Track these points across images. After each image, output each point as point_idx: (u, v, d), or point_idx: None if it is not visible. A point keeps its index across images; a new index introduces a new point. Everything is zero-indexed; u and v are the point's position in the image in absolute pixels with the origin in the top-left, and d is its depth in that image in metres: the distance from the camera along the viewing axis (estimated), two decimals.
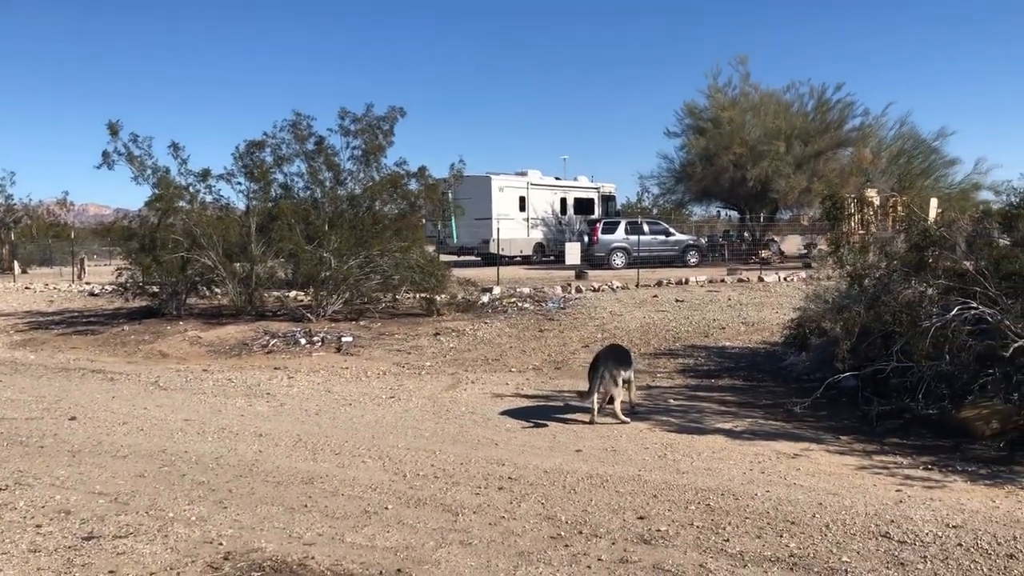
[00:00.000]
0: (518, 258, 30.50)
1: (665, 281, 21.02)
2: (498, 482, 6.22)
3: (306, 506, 5.68)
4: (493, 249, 26.56)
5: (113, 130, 16.62)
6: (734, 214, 36.89)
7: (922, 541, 4.84)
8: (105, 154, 16.66)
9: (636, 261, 25.07)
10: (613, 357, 8.50)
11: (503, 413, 8.85)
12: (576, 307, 16.94)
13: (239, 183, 17.42)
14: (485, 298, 18.10)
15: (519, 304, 17.60)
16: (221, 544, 4.95)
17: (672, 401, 9.35)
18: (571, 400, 9.27)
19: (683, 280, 21.22)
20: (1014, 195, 9.11)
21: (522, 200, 31.28)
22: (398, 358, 12.71)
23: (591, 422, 8.17)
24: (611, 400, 8.40)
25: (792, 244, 34.03)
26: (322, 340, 14.00)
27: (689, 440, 7.53)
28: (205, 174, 17.35)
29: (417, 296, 17.49)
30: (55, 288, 24.87)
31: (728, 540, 4.92)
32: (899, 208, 16.18)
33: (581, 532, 5.10)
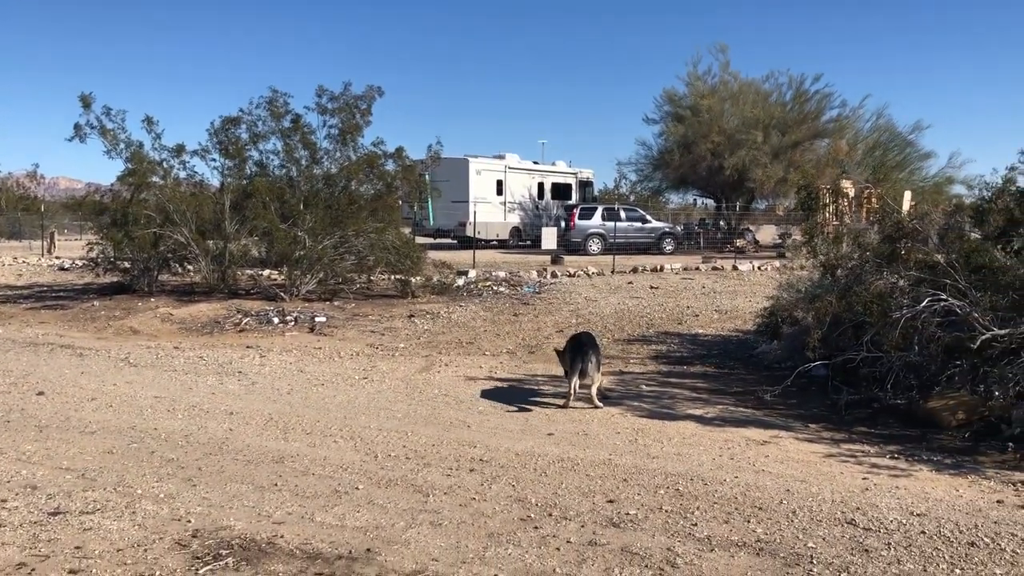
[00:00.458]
0: (494, 242, 30.47)
1: (640, 268, 21.10)
2: (469, 464, 6.22)
3: (276, 485, 5.66)
4: (469, 232, 26.52)
5: (86, 102, 16.36)
6: (710, 202, 37.09)
7: (887, 528, 4.91)
8: (77, 127, 16.41)
9: (612, 247, 25.14)
10: (594, 343, 8.54)
11: (476, 396, 8.85)
12: (551, 292, 16.97)
13: (213, 160, 17.28)
14: (460, 281, 18.08)
15: (494, 288, 17.60)
16: (189, 522, 4.92)
17: (644, 387, 9.40)
18: (544, 384, 9.30)
19: (658, 267, 21.33)
20: (986, 190, 9.22)
21: (499, 184, 31.20)
22: (372, 339, 12.67)
23: (565, 406, 8.20)
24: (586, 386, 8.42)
25: (767, 234, 34.28)
26: (295, 320, 13.91)
27: (660, 426, 7.58)
28: (179, 149, 17.15)
29: (392, 278, 17.44)
30: (24, 262, 24.53)
31: (696, 524, 4.96)
32: (873, 200, 16.32)
33: (551, 514, 5.12)
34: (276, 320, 13.90)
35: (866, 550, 4.58)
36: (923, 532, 4.85)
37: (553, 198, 33.01)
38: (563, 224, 28.13)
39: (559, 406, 8.24)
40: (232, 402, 8.35)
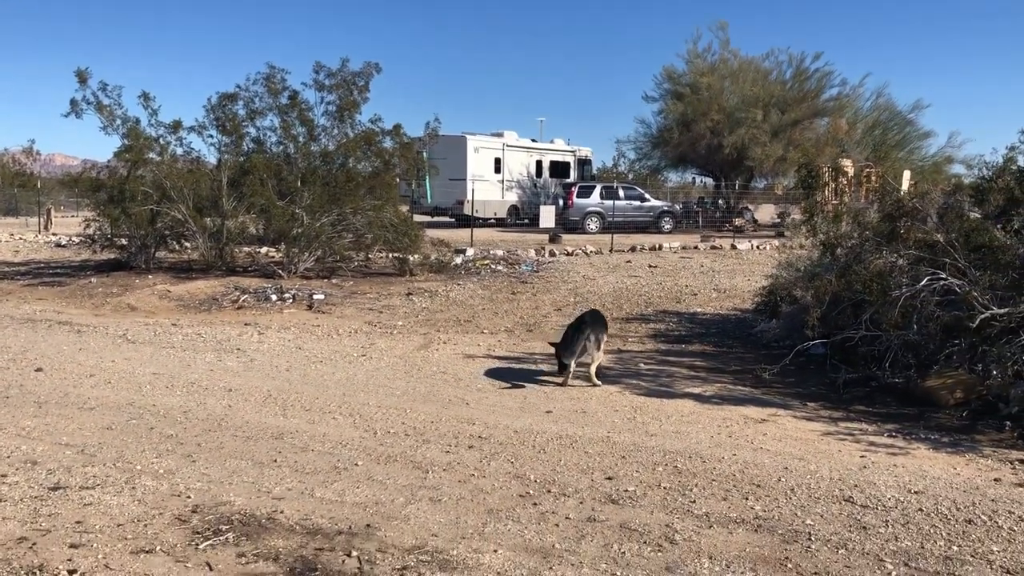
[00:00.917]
0: (492, 220, 30.37)
1: (639, 247, 21.08)
2: (468, 441, 6.24)
3: (275, 461, 5.67)
4: (467, 210, 26.43)
5: (82, 78, 16.23)
6: (709, 181, 36.97)
7: (884, 506, 4.93)
8: (73, 102, 16.28)
9: (611, 226, 25.10)
10: (597, 321, 8.53)
11: (474, 373, 8.85)
12: (549, 271, 16.96)
13: (211, 136, 17.16)
14: (458, 259, 18.06)
15: (492, 266, 17.58)
16: (189, 497, 4.93)
17: (643, 365, 9.41)
18: (542, 362, 9.30)
19: (657, 246, 21.32)
20: (986, 169, 9.19)
21: (497, 162, 31.07)
22: (370, 317, 12.66)
23: (564, 383, 8.20)
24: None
25: (766, 213, 34.23)
26: (293, 297, 13.90)
27: (658, 404, 7.59)
28: (176, 126, 17.03)
29: (390, 256, 17.41)
30: (21, 239, 24.46)
31: (695, 501, 4.98)
32: (873, 179, 16.30)
33: (550, 491, 5.14)
34: (274, 297, 13.89)
35: (864, 527, 4.60)
36: (920, 510, 4.87)
37: (551, 176, 32.89)
38: (561, 202, 28.02)
39: (557, 384, 8.25)
40: (231, 379, 8.35)
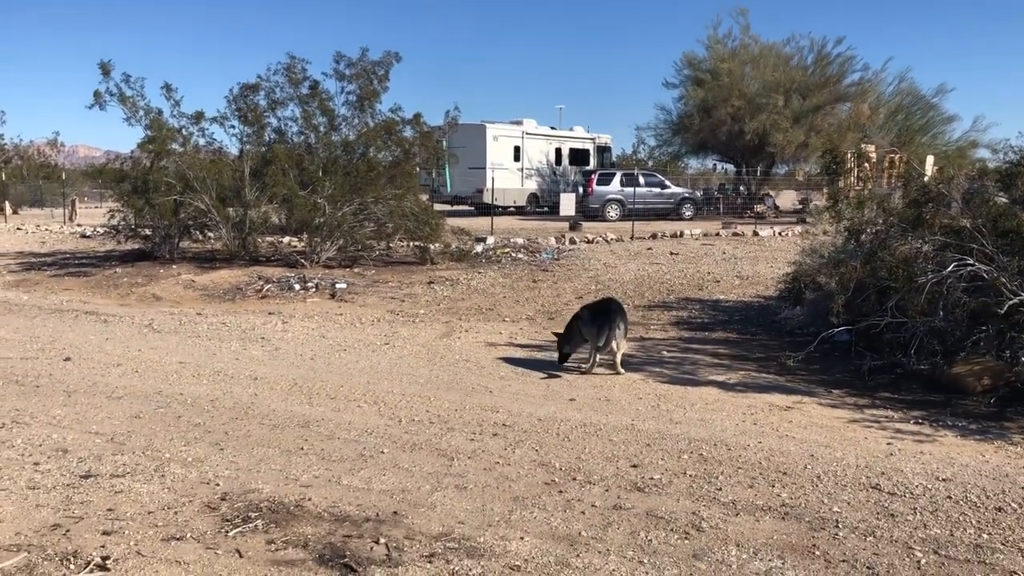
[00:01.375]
0: (512, 208, 30.34)
1: (660, 234, 21.00)
2: (492, 428, 6.26)
3: (302, 449, 5.71)
4: (487, 199, 26.40)
5: (105, 70, 16.38)
6: (730, 167, 36.71)
7: (912, 493, 4.90)
8: (97, 94, 16.45)
9: (631, 213, 24.99)
10: (622, 311, 8.52)
11: (497, 361, 8.88)
12: (570, 258, 16.94)
13: (232, 126, 17.27)
14: (479, 248, 18.07)
15: (513, 254, 17.58)
16: (218, 485, 4.98)
17: (665, 353, 9.39)
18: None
19: (678, 233, 21.23)
20: (1012, 153, 9.07)
21: (517, 150, 31.00)
22: (392, 305, 12.71)
23: (588, 371, 8.21)
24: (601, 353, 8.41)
25: (787, 199, 33.95)
26: (316, 286, 13.98)
27: (682, 391, 7.58)
28: (198, 116, 17.16)
29: (411, 244, 17.46)
30: (47, 229, 24.72)
31: (721, 489, 4.98)
32: (897, 164, 16.13)
33: (575, 479, 5.15)
34: (297, 286, 13.97)
35: (892, 514, 4.58)
36: (949, 497, 4.84)
37: (571, 164, 32.77)
38: (581, 190, 27.91)
39: (580, 372, 8.25)
40: (256, 367, 8.41)
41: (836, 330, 8.56)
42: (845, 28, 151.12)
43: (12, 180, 36.17)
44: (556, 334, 8.72)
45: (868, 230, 9.67)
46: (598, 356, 8.28)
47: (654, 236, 20.68)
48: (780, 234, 21.19)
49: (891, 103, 32.89)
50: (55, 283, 15.11)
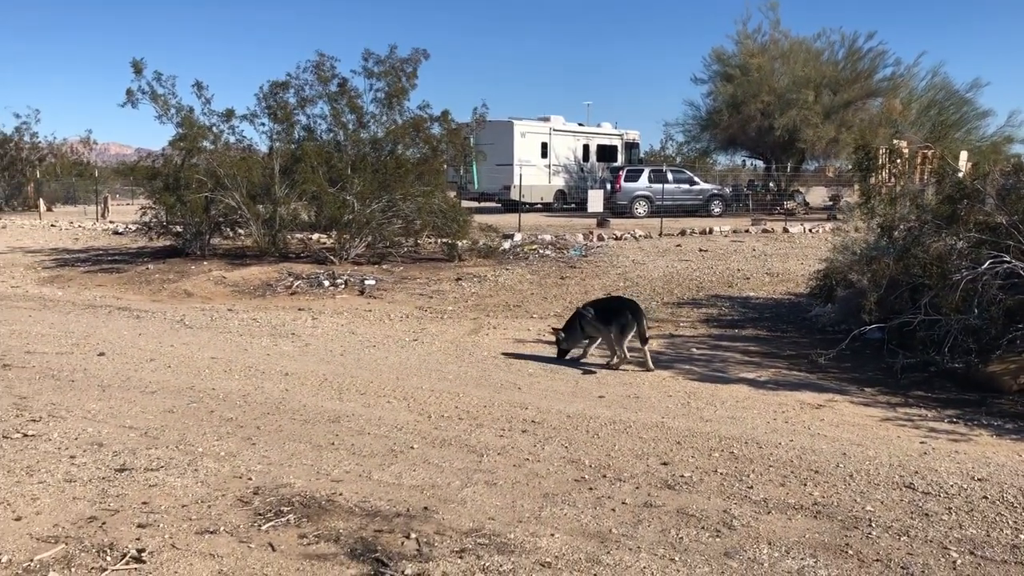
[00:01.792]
0: (539, 205, 30.29)
1: (689, 230, 20.87)
2: (521, 425, 6.26)
3: (333, 444, 5.75)
4: (514, 195, 26.39)
5: (137, 68, 16.56)
6: (759, 164, 36.41)
7: (947, 493, 4.84)
8: (129, 92, 16.63)
9: (659, 210, 24.83)
10: (640, 309, 8.53)
11: (525, 358, 8.88)
12: (598, 255, 16.89)
13: (262, 124, 17.42)
14: (506, 244, 18.07)
15: (540, 251, 17.56)
16: (250, 479, 5.03)
17: (695, 350, 9.35)
18: (592, 347, 9.28)
19: (707, 230, 21.08)
20: None
21: (544, 146, 30.94)
22: (420, 302, 12.76)
23: (616, 367, 8.20)
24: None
25: (817, 195, 33.66)
26: (345, 283, 14.06)
27: (712, 389, 7.54)
28: (229, 114, 17.31)
29: (439, 241, 17.51)
30: (80, 226, 25.05)
31: (752, 487, 4.95)
32: (930, 160, 15.89)
33: (605, 476, 5.14)
34: (326, 283, 14.06)
35: (926, 514, 4.53)
36: (985, 497, 4.77)
37: (598, 160, 32.64)
38: (609, 186, 27.76)
39: (608, 370, 8.23)
40: (287, 363, 8.48)
41: (868, 327, 8.48)
42: (877, 22, 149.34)
43: (46, 178, 36.67)
44: (555, 329, 8.79)
45: (901, 227, 9.57)
46: (626, 352, 8.31)
47: (683, 233, 20.56)
48: (810, 231, 20.98)
49: (924, 98, 32.42)
50: (88, 279, 15.32)
